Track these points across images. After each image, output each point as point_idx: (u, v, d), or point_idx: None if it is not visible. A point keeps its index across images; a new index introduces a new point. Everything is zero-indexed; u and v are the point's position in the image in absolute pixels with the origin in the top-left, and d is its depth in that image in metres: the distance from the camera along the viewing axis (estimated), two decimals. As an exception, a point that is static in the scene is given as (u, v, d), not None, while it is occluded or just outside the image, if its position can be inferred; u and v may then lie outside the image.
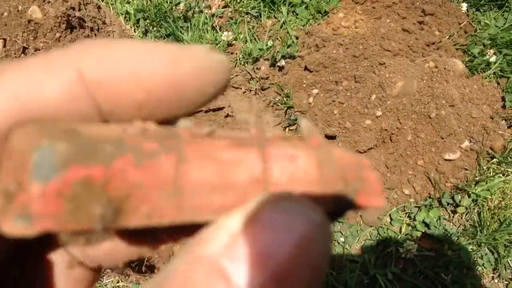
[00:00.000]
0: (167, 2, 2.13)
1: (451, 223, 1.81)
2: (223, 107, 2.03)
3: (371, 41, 1.89)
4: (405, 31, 1.97)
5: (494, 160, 1.82)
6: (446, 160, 1.78)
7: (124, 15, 2.14)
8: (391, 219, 1.81)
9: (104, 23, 2.02)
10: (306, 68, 1.95)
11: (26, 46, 1.68)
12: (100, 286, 1.68)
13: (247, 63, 2.01)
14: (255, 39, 2.08)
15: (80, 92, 0.21)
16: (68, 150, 0.18)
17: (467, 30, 2.05)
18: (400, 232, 1.79)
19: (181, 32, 2.03)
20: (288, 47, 2.01)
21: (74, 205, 0.18)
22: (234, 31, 2.07)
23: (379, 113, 1.80)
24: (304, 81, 1.95)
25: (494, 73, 1.96)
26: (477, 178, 1.78)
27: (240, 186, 0.21)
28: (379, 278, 1.65)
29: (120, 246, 0.25)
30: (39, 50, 1.70)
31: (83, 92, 0.21)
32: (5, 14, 1.69)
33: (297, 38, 2.05)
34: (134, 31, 2.14)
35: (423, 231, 1.76)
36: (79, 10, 1.88)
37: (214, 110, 2.02)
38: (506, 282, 1.73)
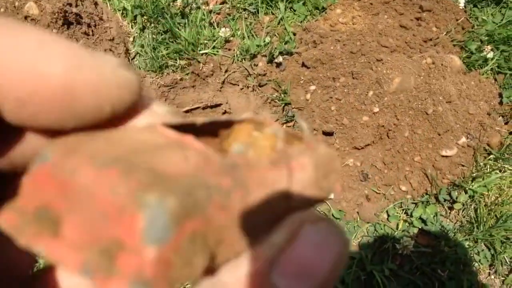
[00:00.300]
0: (164, -2, 2.13)
1: (448, 219, 1.81)
2: (221, 104, 2.03)
3: (369, 37, 1.89)
4: (403, 27, 1.97)
5: (491, 156, 1.82)
6: (443, 156, 1.78)
7: (121, 11, 2.13)
8: (388, 215, 1.82)
9: (101, 19, 2.02)
10: (303, 65, 1.95)
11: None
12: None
13: (244, 60, 2.01)
14: (252, 35, 2.07)
15: None
16: (176, 205, 0.17)
17: (464, 26, 2.05)
18: (397, 228, 1.79)
19: (178, 29, 2.03)
20: (285, 43, 2.01)
21: (182, 262, 0.18)
22: (231, 27, 2.06)
23: (376, 110, 1.80)
24: (302, 78, 1.95)
25: (491, 69, 1.96)
26: (474, 175, 1.79)
27: (276, 205, 0.22)
28: (376, 274, 1.66)
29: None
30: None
31: None
32: (2, 10, 1.68)
33: (294, 34, 2.04)
34: (132, 28, 2.13)
35: (420, 227, 1.77)
36: (76, 6, 1.88)
37: (211, 107, 2.02)
38: (503, 278, 1.73)
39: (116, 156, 0.19)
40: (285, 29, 2.06)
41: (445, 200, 1.80)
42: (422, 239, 1.76)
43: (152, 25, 2.10)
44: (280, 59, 1.97)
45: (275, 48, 1.97)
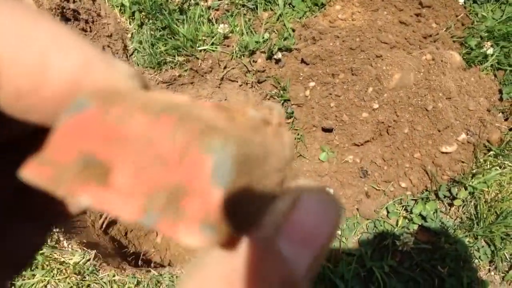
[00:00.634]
0: (162, -6, 2.12)
1: (447, 216, 1.81)
2: (220, 101, 2.03)
3: (368, 33, 1.88)
4: (402, 24, 1.96)
5: (491, 152, 1.81)
6: (443, 152, 1.77)
7: (119, 8, 2.12)
8: (388, 212, 1.81)
9: (99, 15, 2.00)
10: (302, 61, 1.94)
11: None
12: (96, 280, 1.67)
13: (243, 56, 2.00)
14: (251, 31, 2.06)
15: None
16: (237, 152, 0.18)
17: (464, 22, 2.04)
18: (397, 225, 1.79)
19: (176, 25, 2.02)
20: (284, 39, 2.00)
21: (241, 209, 0.18)
22: (230, 23, 2.05)
23: (376, 106, 1.79)
24: (301, 74, 1.94)
25: (491, 65, 1.96)
26: (474, 171, 1.78)
27: (281, 171, 0.24)
28: (376, 271, 1.65)
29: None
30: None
31: None
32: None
33: (293, 30, 2.03)
34: (130, 24, 2.12)
35: (420, 224, 1.76)
36: (74, 2, 1.87)
37: (210, 103, 2.01)
38: (503, 275, 1.73)
39: (165, 106, 0.19)
40: (284, 25, 2.05)
41: (445, 196, 1.79)
42: (422, 236, 1.75)
43: (150, 21, 2.09)
44: (279, 55, 1.96)
45: (274, 44, 1.96)
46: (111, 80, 0.20)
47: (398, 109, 1.77)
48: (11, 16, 0.18)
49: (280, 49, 1.97)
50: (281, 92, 1.97)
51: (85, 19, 1.90)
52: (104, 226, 1.87)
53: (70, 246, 1.71)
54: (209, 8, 2.10)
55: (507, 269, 1.74)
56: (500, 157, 1.81)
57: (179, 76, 2.01)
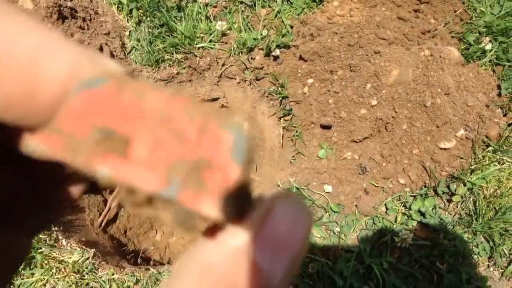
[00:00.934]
0: (160, -9, 2.11)
1: (446, 212, 1.81)
2: (218, 98, 2.02)
3: (366, 29, 1.88)
4: (401, 19, 1.95)
5: (490, 148, 1.81)
6: (441, 149, 1.77)
7: (117, 5, 2.11)
8: (387, 208, 1.81)
9: (96, 13, 2.00)
10: (301, 58, 1.94)
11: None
12: (95, 278, 1.68)
13: (241, 53, 2.00)
14: (249, 28, 2.06)
15: None
16: (248, 136, 0.19)
17: (462, 17, 2.03)
18: (396, 221, 1.79)
19: (174, 22, 2.01)
20: (282, 36, 1.99)
21: (247, 186, 0.20)
22: (228, 20, 2.05)
23: (374, 102, 1.79)
24: (299, 71, 1.94)
25: (490, 61, 1.95)
26: (473, 167, 1.78)
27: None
28: (375, 268, 1.65)
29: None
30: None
31: None
32: (-5, 4, 1.66)
33: (291, 27, 2.03)
34: (127, 21, 2.12)
35: (419, 220, 1.76)
36: (71, 0, 1.86)
37: (209, 100, 2.01)
38: (502, 270, 1.73)
39: (172, 90, 0.20)
40: (282, 22, 2.04)
41: (443, 192, 1.79)
42: (421, 232, 1.75)
43: (148, 19, 2.08)
44: (277, 52, 1.95)
45: (272, 41, 1.96)
46: None
47: (396, 105, 1.77)
48: None
49: (278, 46, 1.97)
50: (279, 89, 1.96)
51: (83, 17, 1.90)
52: (103, 224, 1.87)
53: (69, 244, 1.72)
54: (207, 5, 2.10)
55: (506, 265, 1.74)
56: (499, 152, 1.81)
57: (177, 73, 2.00)
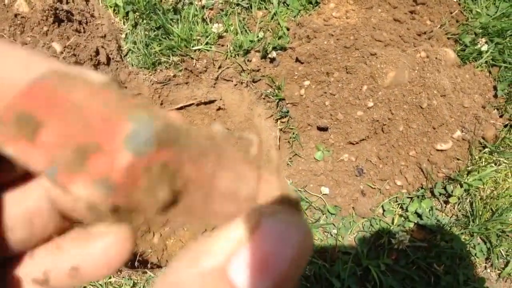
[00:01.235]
0: (156, -6, 2.11)
1: (443, 214, 1.81)
2: (215, 100, 2.02)
3: (362, 31, 1.88)
4: (396, 21, 1.95)
5: (486, 149, 1.81)
6: (438, 150, 1.77)
7: (113, 8, 2.11)
8: (384, 210, 1.81)
9: (92, 16, 2.00)
10: (297, 60, 1.94)
11: (13, 41, 1.66)
12: (91, 282, 1.67)
13: (238, 55, 2.00)
14: (246, 31, 2.06)
15: None
16: (161, 130, 0.19)
17: (458, 19, 2.03)
18: (393, 223, 1.79)
19: (171, 25, 2.01)
20: (279, 38, 1.99)
21: (148, 186, 0.19)
22: (224, 23, 2.05)
23: (370, 104, 1.79)
24: (296, 73, 1.94)
25: (486, 62, 1.95)
26: (469, 168, 1.78)
27: (241, 200, 0.22)
28: (372, 269, 1.65)
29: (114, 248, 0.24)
30: (26, 44, 1.68)
31: None
32: (-9, 8, 1.66)
33: (288, 29, 2.03)
34: (124, 24, 2.12)
35: (416, 221, 1.76)
36: (67, 3, 1.86)
37: (205, 103, 2.01)
38: (499, 272, 1.73)
39: (120, 94, 0.20)
40: (279, 24, 2.04)
41: (440, 194, 1.79)
42: (418, 234, 1.75)
43: (145, 21, 2.08)
44: (273, 54, 1.96)
45: (269, 43, 1.96)
46: None
47: (393, 107, 1.77)
48: None
49: (274, 48, 1.97)
50: (276, 91, 1.96)
51: (79, 20, 1.89)
52: (100, 227, 1.86)
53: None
54: (203, 7, 2.10)
55: (503, 266, 1.74)
56: (495, 154, 1.81)
57: (174, 76, 2.00)
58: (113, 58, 1.97)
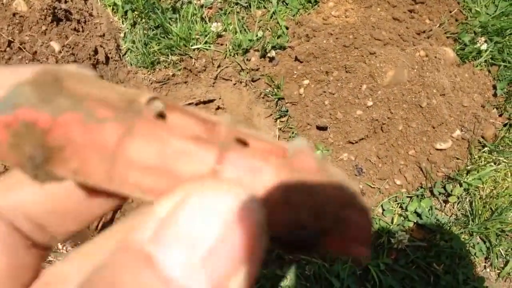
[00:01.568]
0: (155, -7, 2.10)
1: (442, 213, 1.81)
2: (214, 99, 2.02)
3: (362, 30, 1.88)
4: (396, 20, 1.95)
5: (486, 149, 1.81)
6: (437, 149, 1.77)
7: (111, 7, 2.11)
8: (383, 209, 1.81)
9: (91, 15, 1.99)
10: (296, 59, 1.94)
11: (12, 40, 1.66)
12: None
13: (237, 55, 1.99)
14: (245, 30, 2.05)
15: None
16: (31, 94, 0.20)
17: (458, 18, 2.03)
18: (392, 222, 1.79)
19: (169, 24, 2.01)
20: (278, 37, 1.99)
21: (13, 141, 0.20)
22: (223, 22, 2.04)
23: (370, 103, 1.79)
24: (295, 72, 1.93)
25: (485, 61, 1.95)
26: (469, 167, 1.78)
27: (178, 177, 0.21)
28: (372, 269, 1.65)
29: (82, 205, 0.25)
30: (24, 43, 1.67)
31: None
32: (-11, 7, 1.66)
33: (287, 28, 2.03)
34: (122, 23, 2.11)
35: (415, 221, 1.76)
36: (65, 2, 1.85)
37: (204, 102, 2.01)
38: (498, 271, 1.73)
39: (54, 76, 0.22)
40: (278, 23, 2.04)
41: (440, 193, 1.79)
42: (417, 233, 1.75)
43: (143, 20, 2.08)
44: (273, 53, 1.95)
45: (268, 42, 1.96)
46: None
47: (392, 106, 1.77)
48: None
49: (273, 47, 1.96)
50: (275, 90, 1.96)
51: (77, 19, 1.89)
52: (99, 227, 1.86)
53: (64, 248, 1.71)
54: (202, 6, 2.09)
55: (502, 266, 1.74)
56: (495, 153, 1.81)
57: (173, 75, 2.00)
58: (111, 57, 1.96)
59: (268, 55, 1.96)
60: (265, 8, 2.09)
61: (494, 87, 1.90)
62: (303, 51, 1.89)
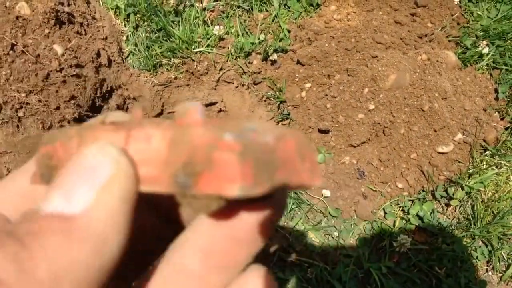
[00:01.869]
0: (157, -4, 2.11)
1: (444, 216, 1.81)
2: (216, 102, 2.02)
3: (363, 34, 1.88)
4: (398, 24, 1.95)
5: (487, 152, 1.81)
6: (439, 153, 1.77)
7: (114, 10, 2.11)
8: (385, 212, 1.81)
9: (93, 18, 2.00)
10: (298, 62, 1.94)
11: (15, 43, 1.66)
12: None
13: (239, 58, 2.00)
14: (247, 33, 2.06)
15: None
16: (48, 137, 0.27)
17: (459, 21, 2.04)
18: (394, 225, 1.79)
19: (172, 27, 2.01)
20: (280, 40, 2.00)
21: (39, 166, 0.27)
22: (225, 25, 2.05)
23: (371, 107, 1.79)
24: (297, 75, 1.94)
25: (487, 64, 1.96)
26: (471, 171, 1.78)
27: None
28: (373, 272, 1.65)
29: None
30: (27, 46, 1.68)
31: None
32: (-8, 10, 1.66)
33: (289, 31, 2.03)
34: (125, 26, 2.12)
35: (417, 224, 1.76)
36: (68, 5, 1.86)
37: (207, 105, 2.01)
38: (500, 275, 1.73)
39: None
40: (280, 26, 2.04)
41: (441, 196, 1.79)
42: (419, 236, 1.75)
43: (146, 23, 2.08)
44: (274, 56, 1.96)
45: (270, 45, 1.96)
46: None
47: (394, 109, 1.77)
48: None
49: (275, 50, 1.97)
50: (277, 93, 1.96)
51: (80, 22, 1.89)
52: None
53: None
54: (204, 9, 2.10)
55: (504, 269, 1.74)
56: (497, 156, 1.81)
57: (175, 78, 2.00)
58: (114, 60, 1.97)
59: (270, 58, 1.96)
60: (267, 11, 2.10)
61: (496, 90, 1.91)
62: (305, 54, 1.90)
